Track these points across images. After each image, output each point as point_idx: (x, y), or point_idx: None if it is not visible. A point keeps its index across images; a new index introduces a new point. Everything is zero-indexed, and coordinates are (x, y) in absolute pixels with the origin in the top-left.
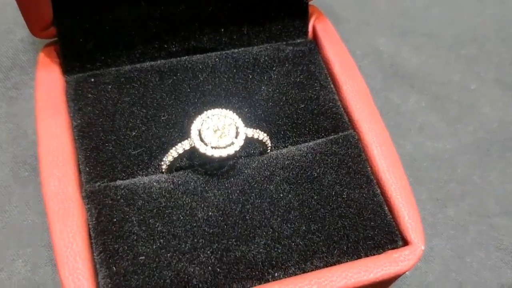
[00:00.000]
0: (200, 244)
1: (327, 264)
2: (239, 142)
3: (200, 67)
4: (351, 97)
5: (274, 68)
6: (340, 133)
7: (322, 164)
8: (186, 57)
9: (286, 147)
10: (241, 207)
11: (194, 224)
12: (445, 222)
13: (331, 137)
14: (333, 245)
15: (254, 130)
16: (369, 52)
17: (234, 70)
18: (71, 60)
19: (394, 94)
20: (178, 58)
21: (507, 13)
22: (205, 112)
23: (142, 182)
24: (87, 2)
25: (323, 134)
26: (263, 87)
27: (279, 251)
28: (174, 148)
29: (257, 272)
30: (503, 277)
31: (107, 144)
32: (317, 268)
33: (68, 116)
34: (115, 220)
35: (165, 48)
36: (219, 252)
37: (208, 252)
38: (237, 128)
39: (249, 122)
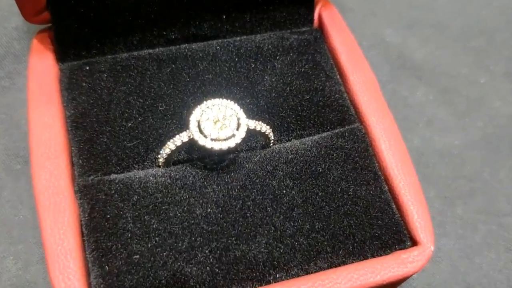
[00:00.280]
0: (198, 242)
1: (332, 265)
2: (241, 134)
3: (200, 55)
4: (358, 88)
5: (277, 57)
6: (346, 126)
7: (327, 159)
8: (186, 45)
9: (290, 140)
10: (241, 204)
11: (192, 222)
12: (453, 221)
13: (337, 131)
14: (338, 245)
15: (257, 122)
16: (376, 43)
17: (236, 59)
18: (65, 47)
19: (401, 87)
20: (178, 46)
21: None
22: (204, 102)
23: (137, 176)
24: None
25: (328, 127)
26: (266, 77)
27: (281, 250)
28: (171, 140)
29: (258, 273)
30: None
31: (101, 136)
32: (321, 269)
33: (61, 106)
34: (108, 216)
35: (164, 35)
36: (218, 252)
37: (207, 251)
38: (238, 119)
39: (251, 113)
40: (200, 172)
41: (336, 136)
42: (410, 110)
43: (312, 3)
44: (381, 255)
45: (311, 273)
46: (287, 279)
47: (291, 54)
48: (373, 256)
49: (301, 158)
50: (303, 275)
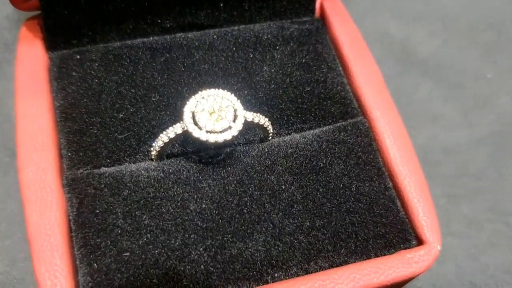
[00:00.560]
0: (192, 240)
1: (333, 265)
2: (238, 127)
3: (196, 44)
4: (361, 80)
5: (277, 48)
6: (349, 120)
7: (328, 154)
8: (181, 33)
9: (290, 134)
10: (238, 200)
11: (186, 218)
12: (459, 220)
13: (339, 124)
14: (340, 244)
15: (255, 114)
16: (379, 36)
17: (234, 49)
18: (55, 35)
19: (405, 82)
20: (173, 35)
21: None
22: (200, 92)
23: (128, 170)
24: None
25: (330, 121)
26: (265, 68)
27: (279, 249)
28: (165, 132)
29: (255, 272)
30: None
31: (91, 127)
32: (322, 268)
33: (50, 96)
34: (98, 211)
35: (158, 23)
36: (213, 249)
37: (201, 249)
38: (235, 110)
39: (249, 105)
40: (194, 166)
41: (338, 130)
42: (415, 106)
43: None
44: (385, 255)
45: (311, 272)
46: (286, 279)
47: (291, 44)
48: (376, 256)
49: (301, 153)
50: (302, 275)
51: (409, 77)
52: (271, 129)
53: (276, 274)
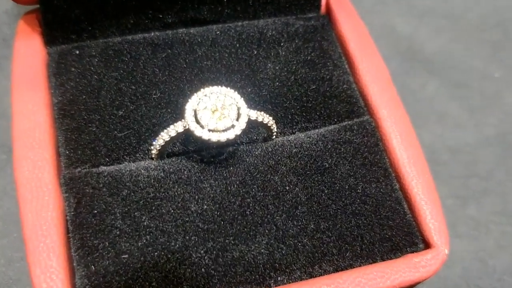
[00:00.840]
0: (193, 242)
1: (338, 268)
2: (241, 125)
3: (199, 40)
4: (368, 78)
5: (282, 44)
6: (355, 119)
7: (334, 154)
8: (183, 29)
9: (294, 133)
10: (241, 201)
11: (187, 219)
12: (466, 222)
13: (344, 123)
14: (345, 247)
15: (258, 112)
16: (385, 33)
17: (237, 45)
18: (54, 29)
19: (411, 80)
20: (174, 30)
21: None
22: (202, 89)
23: (128, 169)
24: None
25: (335, 120)
26: (269, 65)
27: (283, 252)
28: (165, 131)
29: (257, 276)
30: None
31: (90, 125)
32: (326, 272)
33: (48, 92)
34: (96, 211)
35: (160, 18)
36: (215, 252)
37: (202, 251)
38: (238, 109)
39: (253, 103)
40: (196, 166)
41: (344, 129)
42: (421, 105)
43: None
44: (391, 258)
45: (315, 276)
46: (289, 282)
47: (296, 41)
48: (382, 259)
49: (306, 153)
50: (306, 279)
51: (415, 75)
52: (275, 128)
53: (279, 278)
